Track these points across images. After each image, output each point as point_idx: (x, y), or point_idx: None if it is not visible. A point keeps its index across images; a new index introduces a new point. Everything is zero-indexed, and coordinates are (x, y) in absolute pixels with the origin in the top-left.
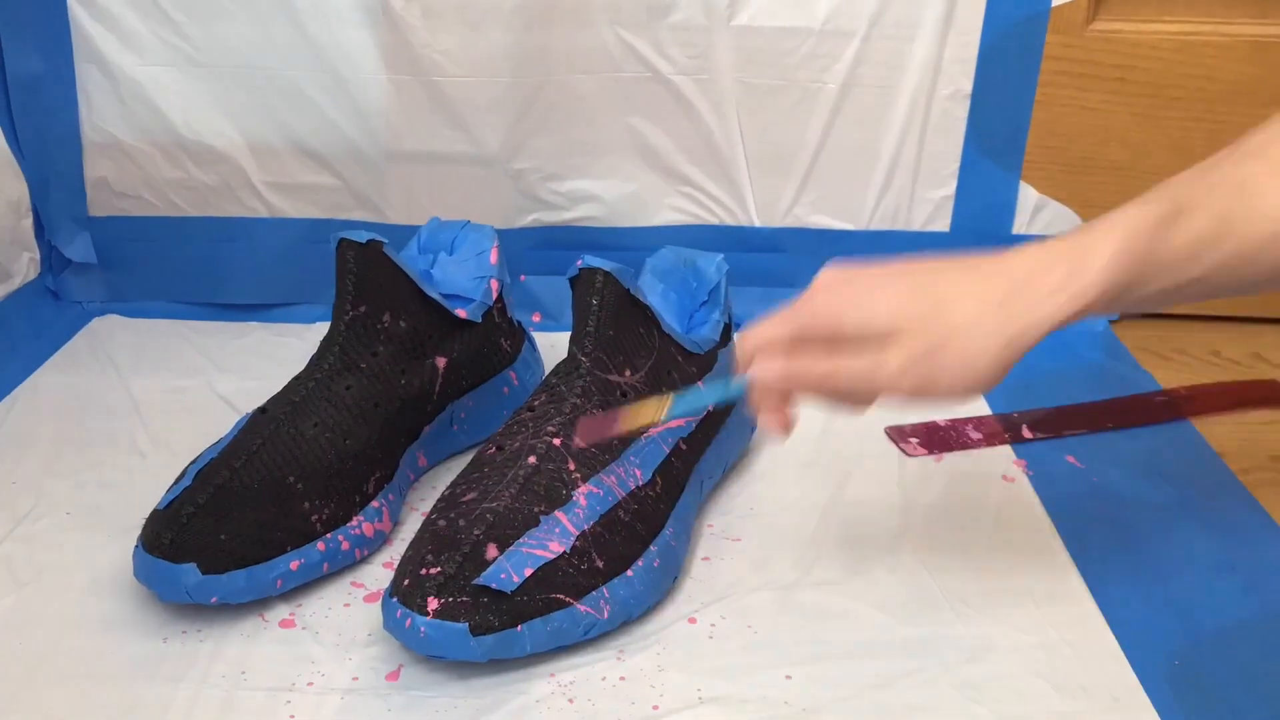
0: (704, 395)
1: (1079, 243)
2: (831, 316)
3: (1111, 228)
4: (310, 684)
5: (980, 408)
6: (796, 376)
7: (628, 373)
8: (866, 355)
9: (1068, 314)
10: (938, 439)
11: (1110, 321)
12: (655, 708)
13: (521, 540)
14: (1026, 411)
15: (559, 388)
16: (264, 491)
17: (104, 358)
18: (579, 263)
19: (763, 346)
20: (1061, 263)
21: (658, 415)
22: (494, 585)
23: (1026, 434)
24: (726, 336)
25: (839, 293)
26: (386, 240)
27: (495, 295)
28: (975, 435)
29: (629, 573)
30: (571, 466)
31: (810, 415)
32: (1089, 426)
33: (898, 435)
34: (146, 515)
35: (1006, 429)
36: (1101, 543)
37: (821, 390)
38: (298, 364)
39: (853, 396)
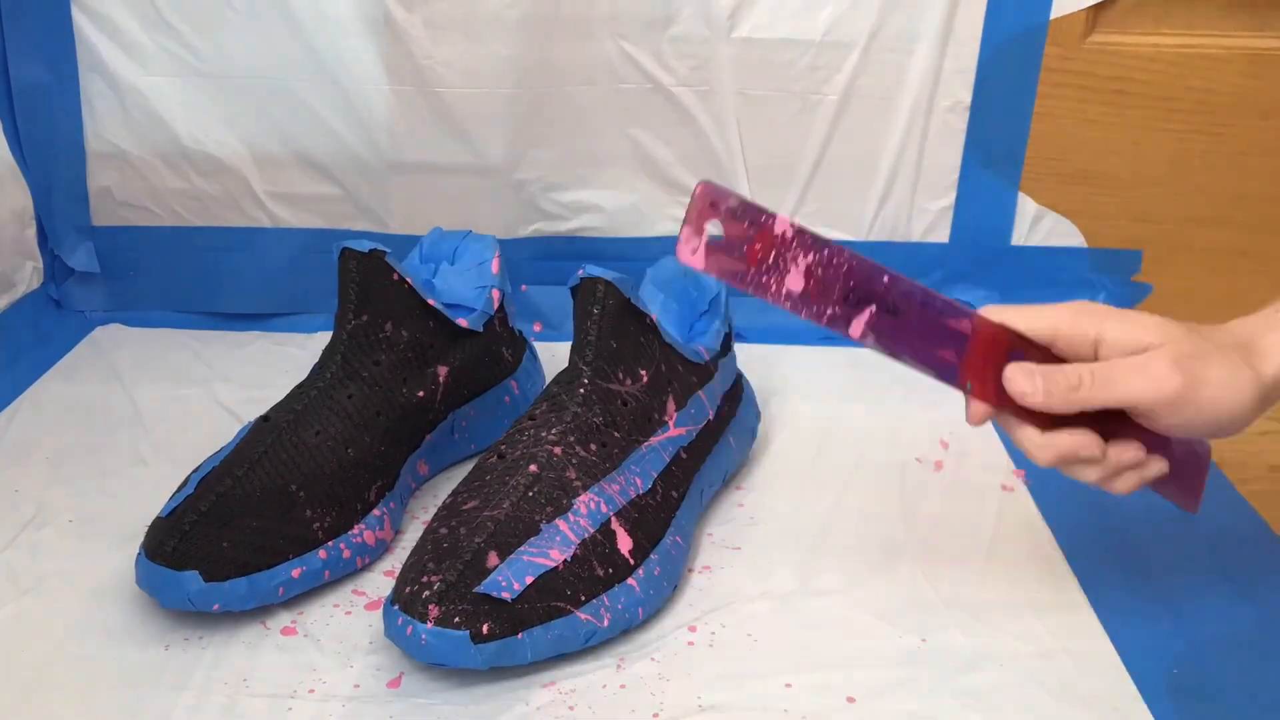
0: None
1: None
2: (1091, 330)
3: None
4: (312, 691)
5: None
6: (1057, 395)
7: (629, 382)
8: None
9: None
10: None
11: None
12: (655, 716)
13: (522, 548)
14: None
15: (560, 396)
16: (266, 499)
17: (106, 367)
18: (580, 272)
19: (1004, 333)
20: None
21: None
22: (495, 593)
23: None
24: (727, 346)
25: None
26: (389, 250)
27: (496, 305)
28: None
29: (630, 581)
30: (572, 475)
31: (809, 422)
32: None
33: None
34: (149, 523)
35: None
36: (1100, 552)
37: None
38: (300, 373)
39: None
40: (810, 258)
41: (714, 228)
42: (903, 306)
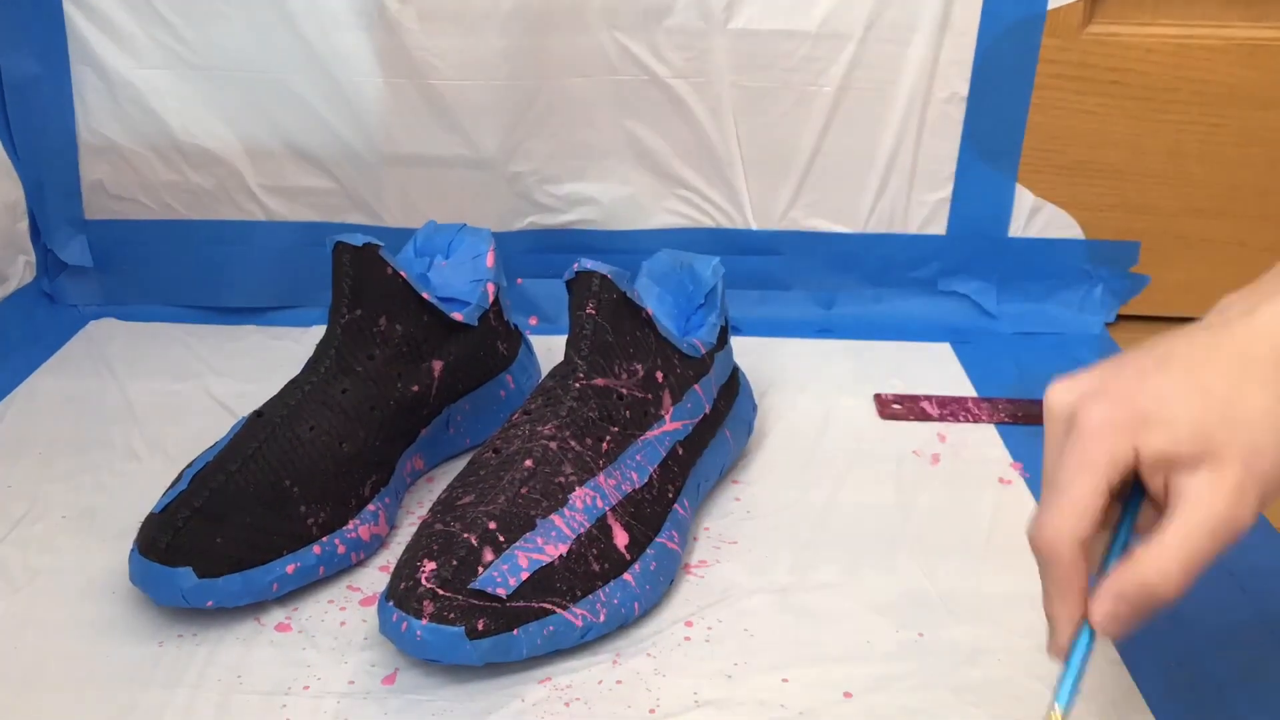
0: (1071, 677)
1: None
2: (1124, 456)
3: None
4: (306, 688)
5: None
6: (1155, 599)
7: (624, 376)
8: (1189, 504)
9: None
10: (917, 412)
11: (1107, 324)
12: (652, 711)
13: (518, 544)
14: (1021, 402)
15: (555, 391)
16: (260, 495)
17: (100, 361)
18: (575, 266)
19: (1077, 550)
20: None
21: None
22: (490, 589)
23: (1005, 418)
24: (723, 339)
25: (1118, 420)
26: (383, 243)
27: (492, 298)
28: (933, 411)
29: (625, 576)
30: (568, 470)
31: (805, 416)
32: None
33: (879, 403)
34: (142, 519)
35: (993, 414)
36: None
37: (1184, 588)
38: (294, 367)
39: (1210, 558)
40: None
41: None
42: None
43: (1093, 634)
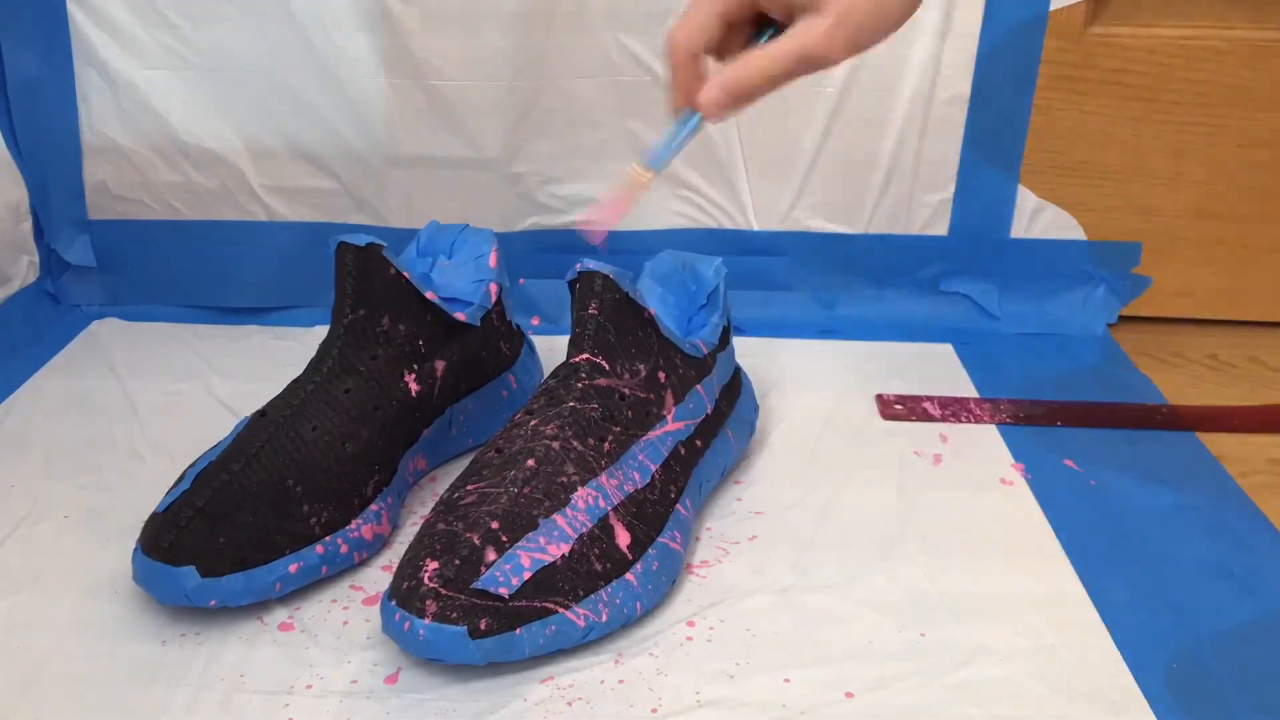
0: (669, 143)
1: None
2: None
3: None
4: (309, 687)
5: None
6: (743, 91)
7: (627, 376)
8: (791, 34)
9: None
10: (919, 413)
11: (1109, 325)
12: (654, 710)
13: (520, 543)
14: (1023, 402)
15: (558, 391)
16: (263, 495)
17: (103, 361)
18: (578, 266)
19: (690, 57)
20: None
21: (643, 177)
22: (492, 589)
23: (1008, 419)
24: (725, 340)
25: None
26: (385, 244)
27: (494, 299)
28: (935, 412)
29: (628, 576)
30: (570, 469)
31: (807, 416)
32: (1081, 421)
33: (881, 403)
34: (145, 518)
35: (995, 414)
36: (1099, 546)
37: (768, 89)
38: (296, 367)
39: (792, 79)
40: None
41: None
42: None
43: (699, 118)
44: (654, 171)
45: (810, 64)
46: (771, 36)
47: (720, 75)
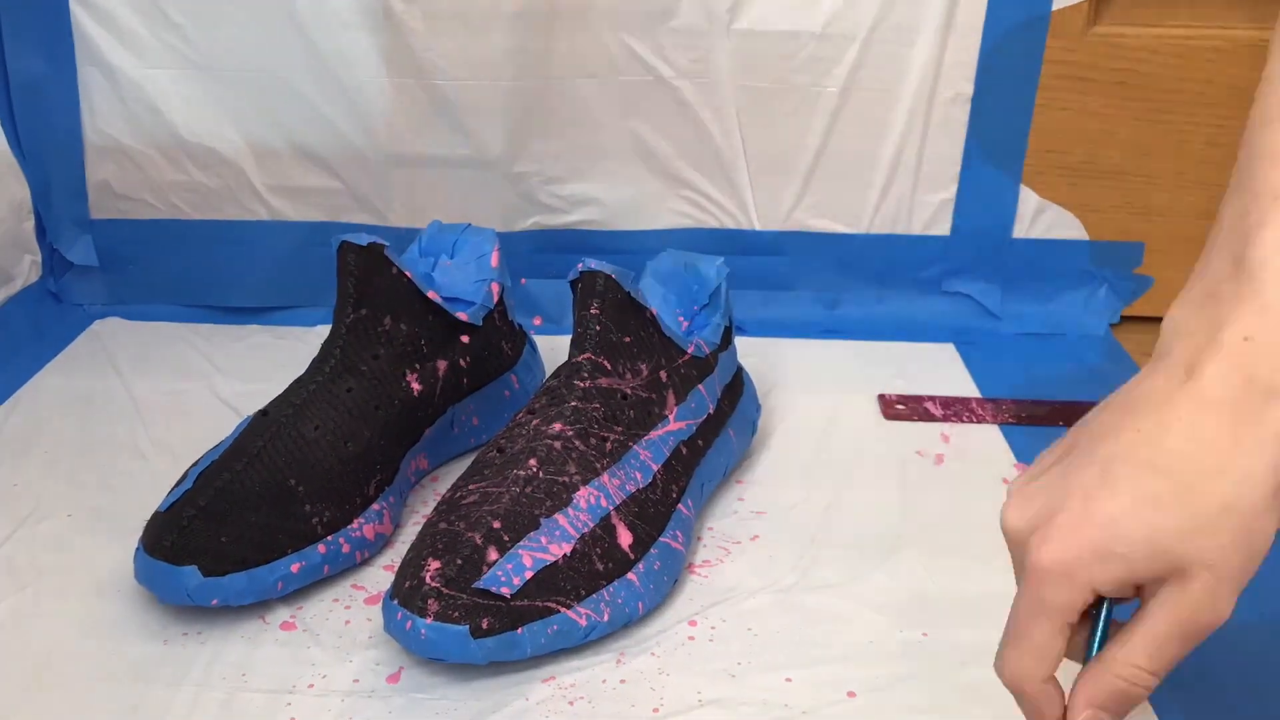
0: None
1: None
2: (1080, 596)
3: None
4: (311, 686)
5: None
6: (1128, 704)
7: (628, 376)
8: (1161, 610)
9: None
10: (921, 413)
11: (1111, 325)
12: (656, 710)
13: (522, 543)
14: (1026, 402)
15: (560, 391)
16: (265, 494)
17: (105, 360)
18: (580, 266)
19: (1046, 684)
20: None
21: None
22: (494, 588)
23: (1010, 420)
24: (727, 340)
25: (1068, 559)
26: (388, 243)
27: (496, 298)
28: (936, 411)
29: (629, 575)
30: (572, 469)
31: (809, 416)
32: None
33: (882, 404)
34: (147, 517)
35: (998, 414)
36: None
37: (1153, 688)
38: (299, 367)
39: (1180, 657)
40: None
41: None
42: None
43: None
44: None
45: (1197, 638)
46: (1108, 614)
47: (1089, 691)
